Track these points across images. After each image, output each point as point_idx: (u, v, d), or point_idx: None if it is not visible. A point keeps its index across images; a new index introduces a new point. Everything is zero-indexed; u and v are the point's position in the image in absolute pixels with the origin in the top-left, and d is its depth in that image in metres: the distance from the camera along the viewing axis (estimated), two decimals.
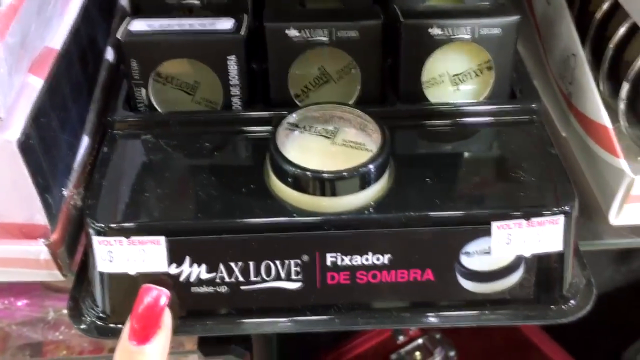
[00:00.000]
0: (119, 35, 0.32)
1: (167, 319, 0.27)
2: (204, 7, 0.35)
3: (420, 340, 0.66)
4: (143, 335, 0.26)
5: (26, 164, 0.26)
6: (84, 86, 0.34)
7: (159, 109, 0.33)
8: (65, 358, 0.51)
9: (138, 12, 0.37)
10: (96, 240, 0.27)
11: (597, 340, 0.63)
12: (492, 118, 0.33)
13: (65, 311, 0.50)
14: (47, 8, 0.30)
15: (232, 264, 0.28)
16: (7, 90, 0.26)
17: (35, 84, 0.28)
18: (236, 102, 0.33)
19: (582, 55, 0.36)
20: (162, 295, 0.27)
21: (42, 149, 0.28)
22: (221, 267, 0.28)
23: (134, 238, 0.27)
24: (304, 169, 0.28)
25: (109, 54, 0.37)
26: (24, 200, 0.27)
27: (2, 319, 0.51)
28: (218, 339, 0.43)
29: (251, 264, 0.28)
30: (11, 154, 0.25)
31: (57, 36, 0.31)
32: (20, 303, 0.51)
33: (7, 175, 0.26)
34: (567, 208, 0.28)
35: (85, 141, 0.32)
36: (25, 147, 0.26)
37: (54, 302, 0.51)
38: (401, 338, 0.67)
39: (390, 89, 0.34)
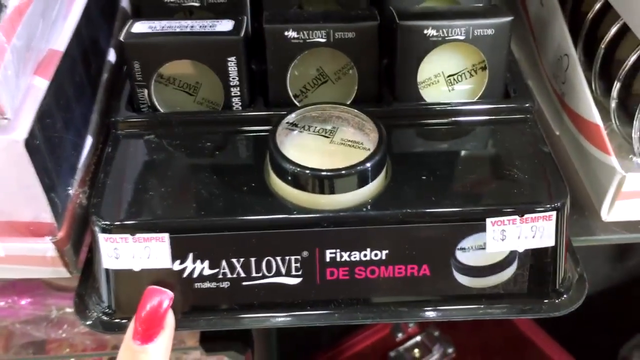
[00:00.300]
0: (121, 37, 0.32)
1: (170, 319, 0.28)
2: (204, 9, 0.36)
3: (418, 338, 0.67)
4: (146, 336, 0.27)
5: (32, 163, 0.27)
6: (87, 87, 0.34)
7: (161, 110, 0.34)
8: (68, 355, 0.52)
9: (139, 14, 0.38)
10: (102, 237, 0.28)
11: (593, 337, 0.64)
12: (486, 117, 0.34)
13: (68, 309, 0.51)
14: (51, 11, 0.31)
15: (234, 260, 0.29)
16: (14, 91, 0.26)
17: (41, 85, 0.29)
18: (236, 102, 0.34)
19: (575, 56, 0.36)
20: (165, 299, 0.28)
21: (47, 149, 0.28)
22: (223, 263, 0.29)
23: (139, 235, 0.28)
24: (304, 168, 0.29)
25: (111, 55, 0.38)
26: (31, 198, 0.28)
27: (5, 317, 0.51)
28: (220, 336, 0.44)
29: (252, 260, 0.29)
30: (18, 153, 0.26)
31: (61, 38, 0.31)
32: (23, 302, 0.52)
33: (14, 175, 0.27)
34: (559, 204, 0.29)
35: (89, 141, 0.33)
36: (32, 147, 0.27)
37: (57, 300, 0.52)
38: (400, 335, 0.67)
39: (387, 89, 0.35)
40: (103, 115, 0.35)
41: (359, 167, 0.29)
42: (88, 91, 0.35)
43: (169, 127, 0.33)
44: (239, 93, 0.33)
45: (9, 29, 0.26)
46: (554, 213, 0.29)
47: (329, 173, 0.29)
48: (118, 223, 0.28)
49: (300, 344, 0.68)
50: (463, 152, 0.33)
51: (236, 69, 0.33)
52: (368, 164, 0.29)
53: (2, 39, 0.25)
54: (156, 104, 0.34)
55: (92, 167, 0.32)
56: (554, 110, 0.39)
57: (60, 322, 0.52)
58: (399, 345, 0.67)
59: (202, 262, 0.29)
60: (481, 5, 0.36)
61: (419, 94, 0.34)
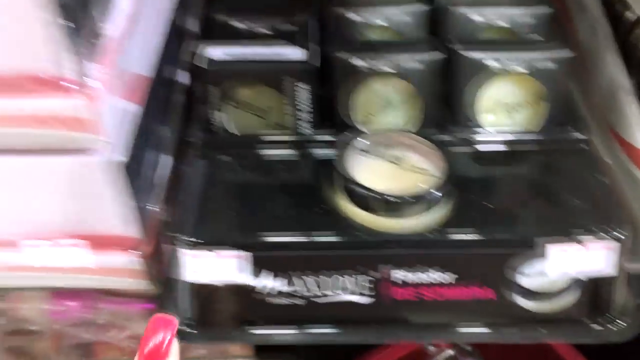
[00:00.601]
0: (197, 61, 0.34)
1: (174, 347, 0.29)
2: (274, 36, 0.38)
3: (450, 352, 0.67)
4: None
5: (126, 182, 0.29)
6: (165, 109, 0.36)
7: (233, 132, 0.36)
8: (117, 358, 0.54)
9: (207, 36, 0.39)
10: (185, 253, 0.30)
11: (626, 357, 0.64)
12: (545, 146, 0.35)
13: (117, 314, 0.53)
14: (140, 36, 0.33)
15: (307, 278, 0.30)
16: (115, 116, 0.28)
17: (131, 109, 0.31)
18: (305, 126, 0.36)
19: (627, 85, 0.37)
20: (168, 334, 0.28)
21: (137, 169, 0.30)
22: (296, 280, 0.30)
23: (218, 251, 0.30)
24: (375, 192, 0.30)
25: (184, 77, 0.40)
26: (121, 214, 0.29)
27: (57, 320, 0.53)
28: (270, 346, 0.46)
29: (324, 278, 0.30)
30: (116, 173, 0.28)
31: (147, 62, 0.33)
32: (74, 305, 0.54)
33: (109, 193, 0.29)
34: (620, 234, 0.30)
35: (168, 161, 0.35)
36: (127, 167, 0.29)
37: (107, 305, 0.54)
38: (432, 349, 0.68)
39: (449, 117, 0.36)
40: (179, 136, 0.37)
41: (426, 194, 0.30)
42: (166, 113, 0.36)
43: (241, 148, 0.35)
44: (307, 118, 0.35)
45: (112, 58, 0.28)
46: (615, 242, 0.30)
47: (398, 198, 0.30)
48: (199, 240, 0.30)
49: (329, 356, 0.69)
50: (524, 180, 0.34)
51: (307, 95, 0.34)
52: (435, 190, 0.31)
53: (107, 67, 0.27)
54: (229, 126, 0.36)
55: (171, 186, 0.34)
56: (605, 140, 0.40)
57: (109, 326, 0.54)
58: (431, 358, 0.67)
59: (278, 279, 0.30)
60: (541, 38, 0.37)
61: (479, 122, 0.36)
